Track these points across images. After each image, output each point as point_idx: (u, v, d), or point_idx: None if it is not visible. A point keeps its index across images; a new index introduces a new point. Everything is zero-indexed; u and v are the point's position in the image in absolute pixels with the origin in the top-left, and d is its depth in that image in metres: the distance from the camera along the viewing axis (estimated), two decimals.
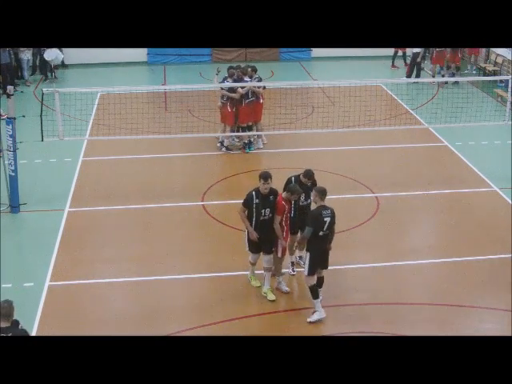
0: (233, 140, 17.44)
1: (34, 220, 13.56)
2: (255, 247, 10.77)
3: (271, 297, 10.73)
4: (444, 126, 17.17)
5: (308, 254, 10.12)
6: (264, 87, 17.11)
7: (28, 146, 15.15)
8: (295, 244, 11.24)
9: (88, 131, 17.96)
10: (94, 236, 12.92)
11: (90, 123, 18.63)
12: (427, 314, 10.58)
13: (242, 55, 26.74)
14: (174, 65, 26.31)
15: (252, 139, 17.15)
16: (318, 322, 10.15)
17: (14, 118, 13.51)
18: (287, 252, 11.08)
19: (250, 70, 16.99)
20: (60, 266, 11.76)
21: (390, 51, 25.16)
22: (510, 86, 15.42)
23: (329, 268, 10.35)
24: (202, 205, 14.11)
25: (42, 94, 14.28)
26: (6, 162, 13.85)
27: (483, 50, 25.20)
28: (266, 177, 10.49)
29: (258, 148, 17.24)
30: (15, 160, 13.60)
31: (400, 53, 25.54)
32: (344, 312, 10.51)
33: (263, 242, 10.64)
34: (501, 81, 21.27)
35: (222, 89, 16.75)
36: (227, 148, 17.03)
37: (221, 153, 16.92)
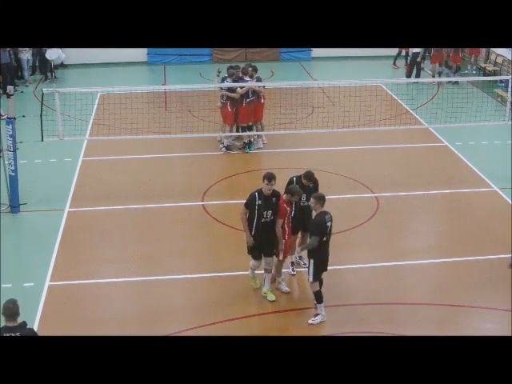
0: (232, 140, 17.44)
1: (34, 220, 13.56)
2: (256, 252, 10.65)
3: (271, 297, 10.72)
4: (444, 126, 17.17)
5: (312, 260, 9.99)
6: (263, 87, 17.09)
7: (28, 146, 15.16)
8: (297, 245, 11.24)
9: (88, 131, 17.96)
10: (94, 236, 12.92)
11: (90, 123, 18.63)
12: (427, 314, 10.57)
13: (242, 55, 26.73)
14: (174, 65, 26.31)
15: (252, 139, 17.14)
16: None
17: (14, 118, 13.51)
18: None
19: (250, 69, 16.96)
20: (60, 266, 11.76)
21: (390, 51, 25.02)
22: (510, 86, 15.42)
23: (329, 268, 10.32)
24: (202, 205, 14.11)
25: (42, 93, 14.29)
26: (6, 162, 13.86)
27: (483, 50, 25.19)
28: (270, 178, 10.35)
29: (258, 148, 17.23)
30: (15, 160, 13.60)
31: (403, 53, 25.45)
32: (344, 312, 10.50)
33: (264, 244, 10.54)
34: (501, 81, 21.27)
35: (221, 89, 16.75)
36: (227, 148, 17.03)
37: (221, 153, 16.92)
